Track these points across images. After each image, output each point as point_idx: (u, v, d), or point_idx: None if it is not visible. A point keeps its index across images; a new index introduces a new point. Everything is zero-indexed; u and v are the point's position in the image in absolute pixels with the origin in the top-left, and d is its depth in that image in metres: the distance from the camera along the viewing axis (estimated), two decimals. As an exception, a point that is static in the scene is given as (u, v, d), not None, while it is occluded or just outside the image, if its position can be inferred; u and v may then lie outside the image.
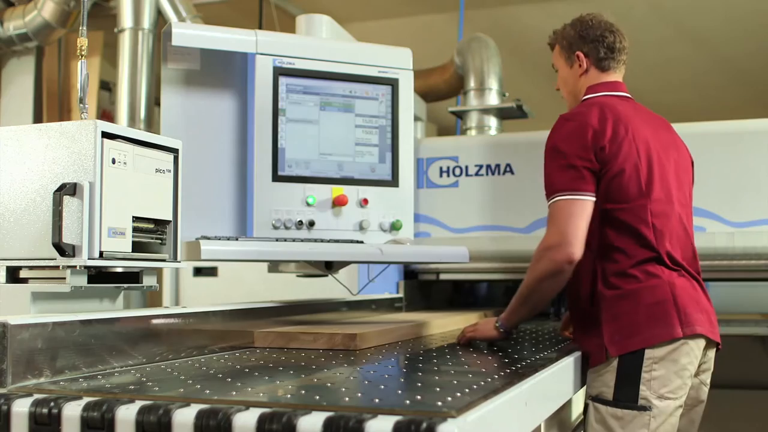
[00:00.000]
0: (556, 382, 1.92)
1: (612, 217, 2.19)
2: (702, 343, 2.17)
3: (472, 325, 2.36)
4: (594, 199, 2.16)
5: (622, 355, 2.12)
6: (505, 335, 2.27)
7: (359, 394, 1.43)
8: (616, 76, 2.41)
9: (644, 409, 2.07)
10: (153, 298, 4.51)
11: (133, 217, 1.83)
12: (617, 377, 2.11)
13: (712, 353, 2.27)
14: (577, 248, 2.10)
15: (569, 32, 2.43)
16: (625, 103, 2.33)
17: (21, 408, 1.37)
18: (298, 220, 2.58)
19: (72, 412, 1.34)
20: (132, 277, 1.94)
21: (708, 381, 2.29)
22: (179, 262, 2.00)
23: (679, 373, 2.10)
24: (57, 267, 1.73)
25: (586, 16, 2.41)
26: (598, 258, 2.21)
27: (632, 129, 2.22)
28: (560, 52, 2.46)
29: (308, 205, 2.60)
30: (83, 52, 1.93)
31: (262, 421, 1.22)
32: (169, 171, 1.96)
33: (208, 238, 2.23)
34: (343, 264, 2.81)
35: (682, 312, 2.12)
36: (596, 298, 2.21)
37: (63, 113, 5.29)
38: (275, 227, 2.55)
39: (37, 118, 5.07)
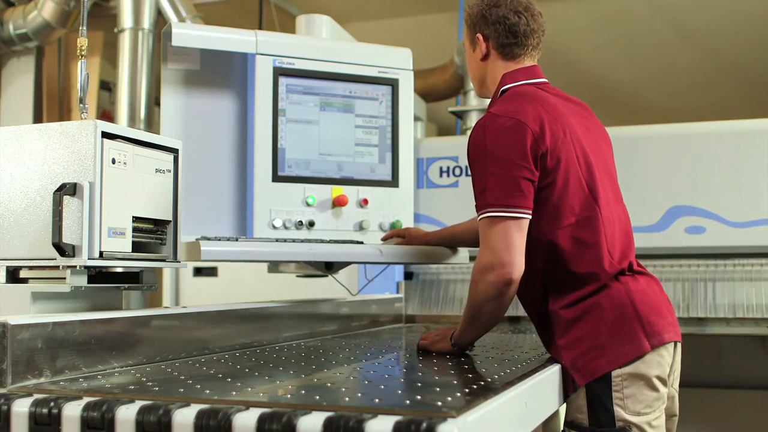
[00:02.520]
0: (557, 383, 1.92)
1: (563, 235, 1.97)
2: (671, 347, 2.01)
3: (429, 333, 2.20)
4: (530, 215, 1.92)
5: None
6: (459, 351, 2.08)
7: (359, 394, 1.43)
8: (528, 62, 2.12)
9: (624, 430, 1.93)
10: (153, 298, 4.51)
11: (133, 217, 1.83)
12: (588, 402, 1.93)
13: (678, 354, 2.08)
14: (515, 268, 1.89)
15: (474, 9, 2.13)
16: (550, 92, 2.09)
17: (21, 408, 1.37)
18: (298, 220, 2.58)
19: (72, 412, 1.34)
20: (132, 277, 1.94)
21: (677, 386, 2.13)
22: (179, 262, 2.00)
23: (651, 385, 1.94)
24: (57, 267, 1.73)
25: None
26: (548, 280, 2.01)
27: (568, 127, 1.99)
28: (465, 30, 2.18)
29: (308, 205, 2.60)
30: (83, 52, 1.93)
31: (262, 421, 1.22)
32: (169, 171, 1.96)
33: (208, 239, 2.22)
34: (343, 264, 2.80)
35: (645, 321, 1.95)
36: (550, 320, 2.02)
37: (63, 113, 5.29)
38: (275, 227, 2.55)
39: (37, 118, 5.07)
